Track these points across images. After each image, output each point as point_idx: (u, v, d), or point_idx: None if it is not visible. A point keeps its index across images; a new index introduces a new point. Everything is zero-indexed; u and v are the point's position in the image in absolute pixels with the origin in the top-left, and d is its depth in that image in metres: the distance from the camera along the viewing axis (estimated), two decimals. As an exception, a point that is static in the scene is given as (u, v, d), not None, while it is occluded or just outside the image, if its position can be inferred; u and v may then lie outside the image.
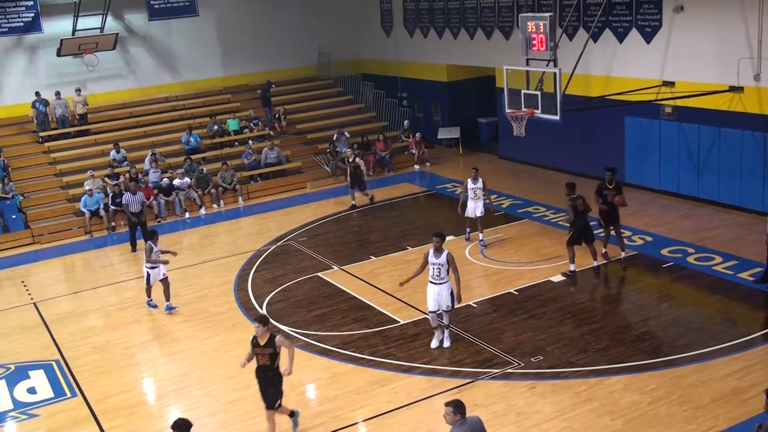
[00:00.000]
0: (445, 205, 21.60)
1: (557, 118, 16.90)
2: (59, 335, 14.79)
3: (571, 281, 15.16)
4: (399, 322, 13.94)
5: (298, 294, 15.81)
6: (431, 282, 12.30)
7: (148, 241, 15.10)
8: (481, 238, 17.42)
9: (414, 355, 12.63)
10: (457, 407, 7.77)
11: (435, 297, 12.31)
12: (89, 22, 25.70)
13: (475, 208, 17.29)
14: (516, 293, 14.76)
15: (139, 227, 19.34)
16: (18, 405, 12.21)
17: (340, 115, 28.39)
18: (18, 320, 15.76)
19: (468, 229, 17.83)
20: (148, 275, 15.22)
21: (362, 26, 30.51)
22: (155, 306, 15.52)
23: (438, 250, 12.04)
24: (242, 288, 16.38)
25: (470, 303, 14.49)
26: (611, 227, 15.75)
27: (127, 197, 19.33)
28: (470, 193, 17.28)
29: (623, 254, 15.88)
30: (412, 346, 12.94)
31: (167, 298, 15.29)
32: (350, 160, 21.29)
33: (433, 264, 12.12)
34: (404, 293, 14.59)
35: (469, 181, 17.37)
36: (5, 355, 14.08)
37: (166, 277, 15.29)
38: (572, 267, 15.35)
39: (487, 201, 17.71)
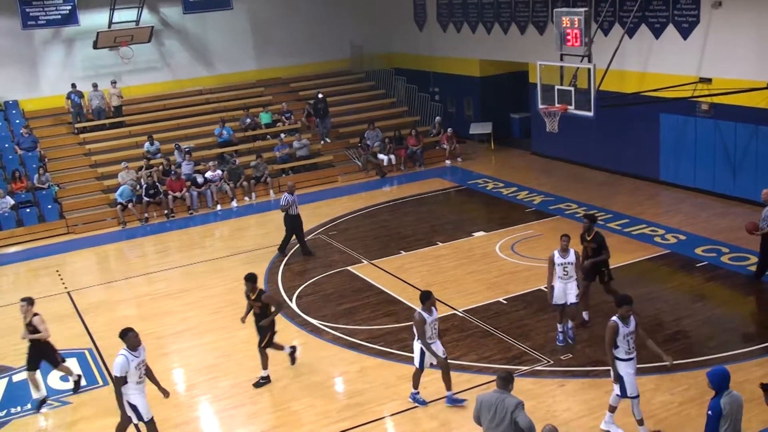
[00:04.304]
0: (476, 200, 21.52)
1: (591, 114, 16.77)
2: (92, 324, 15.00)
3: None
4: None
5: (328, 288, 15.85)
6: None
7: (419, 310, 10.84)
8: (569, 326, 12.63)
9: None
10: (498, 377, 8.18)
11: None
12: (125, 15, 26.01)
13: (565, 292, 12.31)
14: (546, 290, 14.61)
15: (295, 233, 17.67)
16: (51, 392, 12.40)
17: (371, 109, 28.40)
18: (52, 309, 15.93)
19: (559, 326, 12.62)
20: (422, 354, 10.93)
21: (395, 20, 30.45)
22: (424, 402, 11.16)
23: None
24: (272, 281, 16.45)
25: (500, 299, 14.43)
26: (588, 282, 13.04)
27: (287, 198, 17.34)
28: (558, 271, 12.31)
29: (586, 316, 13.17)
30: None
31: (448, 387, 11.11)
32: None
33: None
34: (433, 288, 14.50)
35: (556, 254, 12.29)
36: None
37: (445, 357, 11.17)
38: (264, 372, 12.21)
39: (581, 283, 12.52)
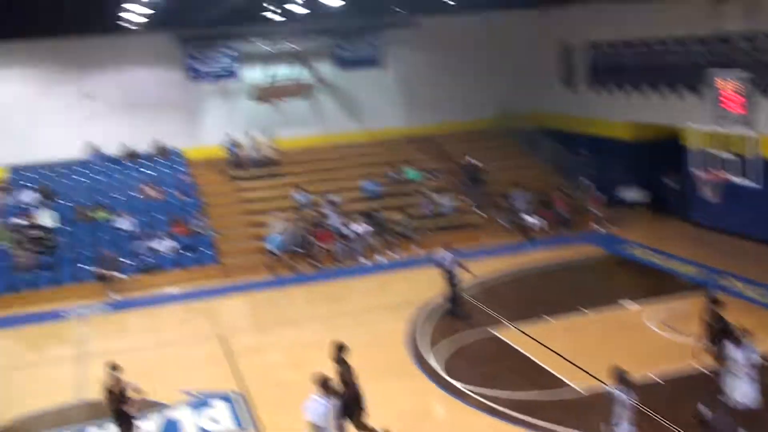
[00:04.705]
0: (625, 268, 20.83)
1: (756, 185, 15.94)
2: (243, 368, 15.50)
3: None
4: (574, 389, 13.46)
5: (470, 349, 15.71)
6: None
7: (615, 388, 10.06)
8: None
9: (588, 426, 12.09)
10: None
11: None
12: (282, 71, 27.49)
13: (742, 392, 10.78)
14: (703, 370, 13.80)
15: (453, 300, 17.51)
16: (201, 433, 12.90)
17: (517, 168, 28.20)
18: (205, 350, 16.71)
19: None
20: None
21: (542, 81, 30.30)
22: None
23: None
24: (414, 338, 16.48)
25: (653, 376, 13.76)
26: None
27: (444, 256, 17.39)
28: (738, 369, 10.65)
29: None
30: (587, 416, 12.40)
31: None
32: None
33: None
34: (580, 359, 14.12)
35: (731, 346, 10.82)
36: (191, 383, 14.86)
37: None
38: None
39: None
